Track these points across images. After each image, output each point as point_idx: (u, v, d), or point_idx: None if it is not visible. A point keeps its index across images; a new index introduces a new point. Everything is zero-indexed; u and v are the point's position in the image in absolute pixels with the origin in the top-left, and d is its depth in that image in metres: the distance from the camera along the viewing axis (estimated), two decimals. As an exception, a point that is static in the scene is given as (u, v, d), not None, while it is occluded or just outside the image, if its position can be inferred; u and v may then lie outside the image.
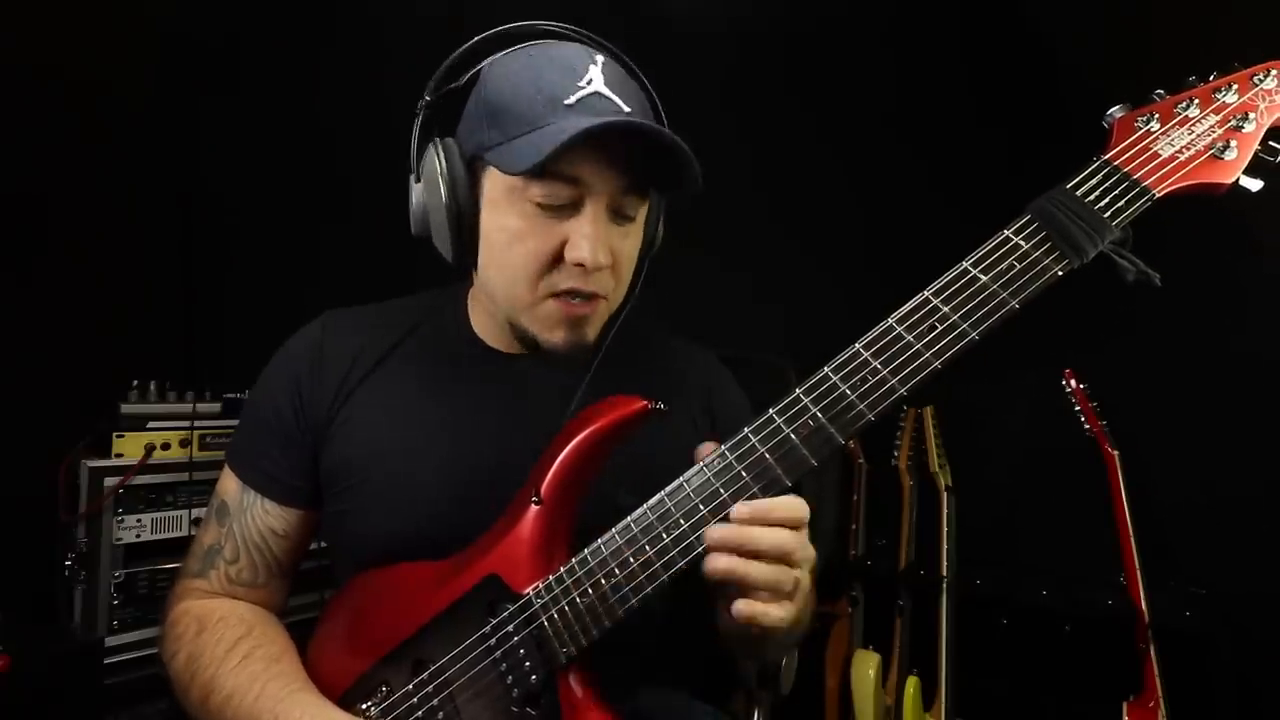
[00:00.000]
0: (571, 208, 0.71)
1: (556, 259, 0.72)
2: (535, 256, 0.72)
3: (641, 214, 0.78)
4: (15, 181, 1.43)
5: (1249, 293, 1.70)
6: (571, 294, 0.73)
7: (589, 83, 0.69)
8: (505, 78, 0.72)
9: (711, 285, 2.03)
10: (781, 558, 0.60)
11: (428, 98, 0.77)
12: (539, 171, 0.67)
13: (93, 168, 1.54)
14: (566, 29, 0.78)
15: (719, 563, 0.59)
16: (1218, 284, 1.67)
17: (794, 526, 0.60)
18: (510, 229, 0.72)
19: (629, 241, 0.77)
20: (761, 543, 0.59)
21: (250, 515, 0.81)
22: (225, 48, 1.72)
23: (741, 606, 0.60)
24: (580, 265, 0.70)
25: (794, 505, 0.60)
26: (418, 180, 0.76)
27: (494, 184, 0.74)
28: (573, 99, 0.68)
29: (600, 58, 0.72)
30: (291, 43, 1.80)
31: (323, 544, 0.88)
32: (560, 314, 0.74)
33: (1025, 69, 1.93)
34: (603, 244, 0.71)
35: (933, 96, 2.10)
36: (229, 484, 0.83)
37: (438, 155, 0.74)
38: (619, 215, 0.74)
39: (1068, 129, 1.15)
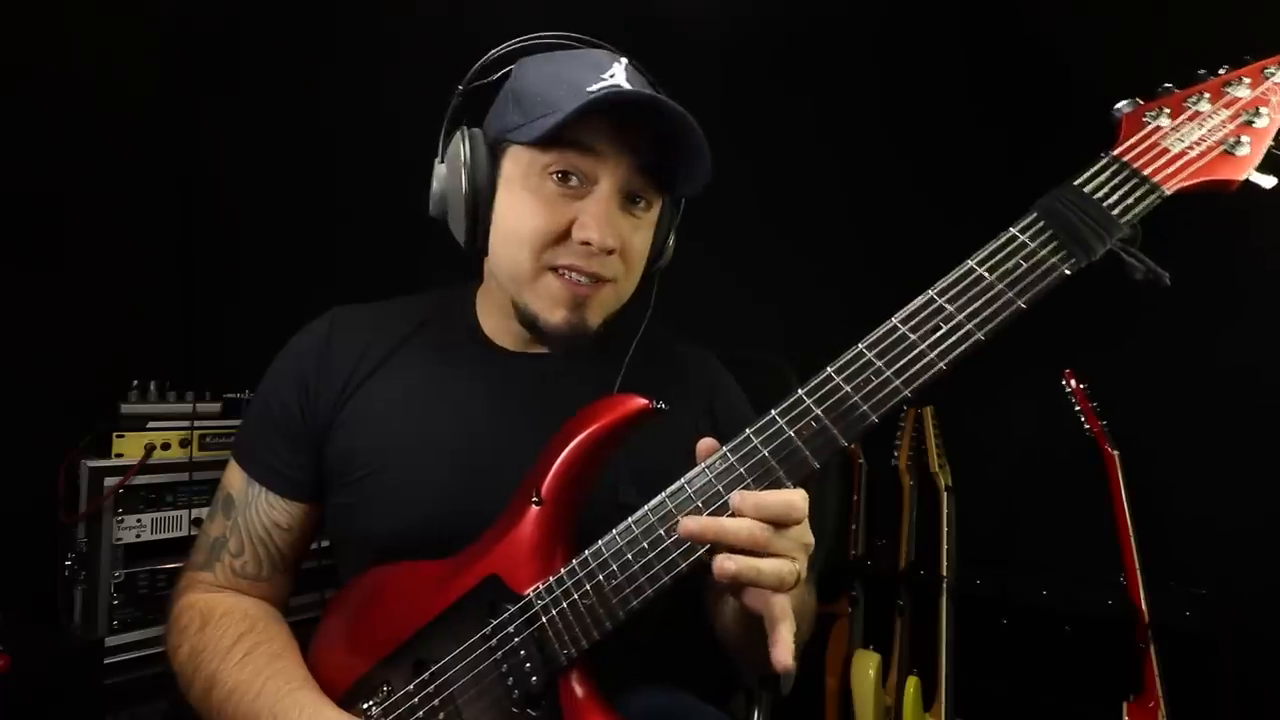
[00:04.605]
0: (583, 187, 0.74)
1: (563, 236, 0.74)
2: (543, 232, 0.74)
3: (654, 210, 0.80)
4: (15, 181, 1.42)
5: (1249, 293, 1.70)
6: (573, 271, 0.74)
7: (612, 76, 0.73)
8: (534, 71, 0.77)
9: (710, 285, 2.03)
10: (754, 548, 0.57)
11: (460, 88, 0.80)
12: (555, 136, 0.69)
13: (93, 167, 1.54)
14: (599, 43, 0.82)
15: (728, 565, 0.56)
16: (1218, 284, 1.67)
17: (786, 522, 0.57)
18: (522, 206, 0.75)
19: (639, 235, 0.79)
20: (739, 535, 0.56)
21: (255, 509, 0.82)
22: (226, 44, 1.71)
23: (750, 599, 0.60)
24: (586, 244, 0.72)
25: (789, 501, 0.57)
26: (441, 162, 0.80)
27: (513, 164, 0.76)
28: (595, 87, 0.71)
29: (624, 60, 0.76)
30: (293, 40, 1.79)
31: (324, 543, 0.88)
32: (562, 291, 0.75)
33: (1025, 68, 1.93)
34: (611, 227, 0.73)
35: (932, 96, 2.09)
36: (234, 478, 0.84)
37: (463, 140, 0.77)
38: (630, 200, 0.76)
39: (1069, 128, 1.15)
